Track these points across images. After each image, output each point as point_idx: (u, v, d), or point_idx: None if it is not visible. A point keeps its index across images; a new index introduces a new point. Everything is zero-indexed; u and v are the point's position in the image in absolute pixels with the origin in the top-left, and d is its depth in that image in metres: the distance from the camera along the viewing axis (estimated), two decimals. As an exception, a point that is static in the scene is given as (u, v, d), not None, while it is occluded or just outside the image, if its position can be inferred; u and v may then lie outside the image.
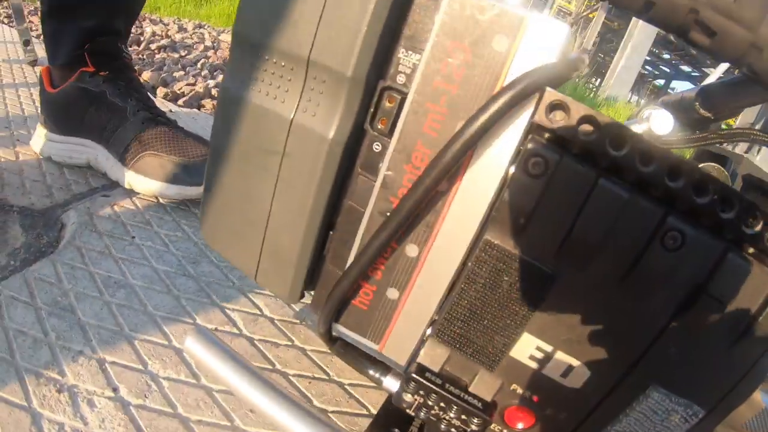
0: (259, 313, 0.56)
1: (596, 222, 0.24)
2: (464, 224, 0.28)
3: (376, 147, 0.30)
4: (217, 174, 0.36)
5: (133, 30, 1.60)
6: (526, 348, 0.28)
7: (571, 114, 0.23)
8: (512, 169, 0.25)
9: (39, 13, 1.08)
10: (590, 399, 0.28)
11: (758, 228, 0.23)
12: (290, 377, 0.48)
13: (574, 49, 0.29)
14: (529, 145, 0.24)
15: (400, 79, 0.28)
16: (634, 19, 4.42)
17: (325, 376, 0.49)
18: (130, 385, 0.45)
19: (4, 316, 0.49)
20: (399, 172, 0.29)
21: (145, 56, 1.48)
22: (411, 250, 0.30)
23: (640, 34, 4.20)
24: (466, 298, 0.27)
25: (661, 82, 15.09)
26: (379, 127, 0.29)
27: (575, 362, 0.27)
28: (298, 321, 0.57)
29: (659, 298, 0.25)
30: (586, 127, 0.23)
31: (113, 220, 0.66)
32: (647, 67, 12.99)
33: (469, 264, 0.27)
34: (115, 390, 0.45)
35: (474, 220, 0.27)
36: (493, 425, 0.31)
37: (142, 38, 1.57)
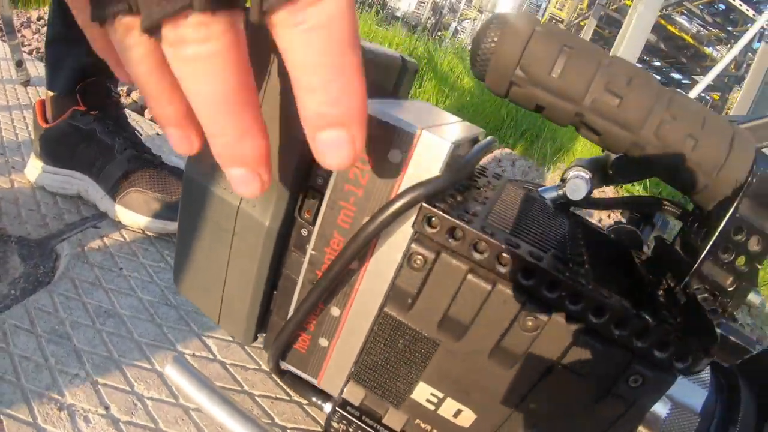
0: (231, 339, 0.64)
1: (465, 306, 0.31)
2: (371, 296, 0.36)
3: (304, 232, 0.37)
4: (185, 240, 0.44)
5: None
6: (423, 393, 0.36)
7: (441, 226, 0.30)
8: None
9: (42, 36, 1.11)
10: (479, 437, 0.36)
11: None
12: (256, 398, 0.57)
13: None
14: (413, 245, 0.32)
15: (319, 181, 0.36)
16: (624, 27, 4.42)
17: (286, 397, 0.58)
18: (120, 404, 0.53)
19: (9, 343, 0.57)
20: (321, 253, 0.37)
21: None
22: (334, 311, 0.38)
23: (630, 42, 4.22)
24: (373, 352, 0.35)
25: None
26: (305, 216, 0.37)
27: (463, 407, 0.35)
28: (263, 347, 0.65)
29: (523, 369, 0.32)
30: (454, 236, 0.30)
31: (103, 251, 0.74)
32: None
33: (375, 327, 0.35)
34: (106, 408, 0.53)
35: (378, 294, 0.35)
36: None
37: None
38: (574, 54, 0.32)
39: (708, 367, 0.36)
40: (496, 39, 0.33)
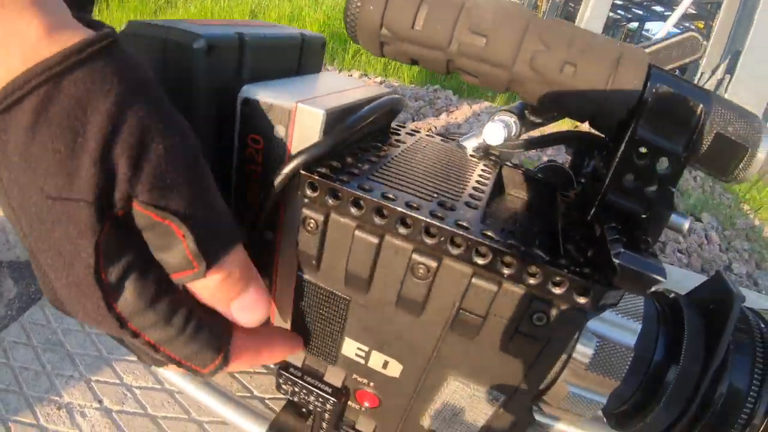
0: None
1: (361, 261, 0.32)
2: (290, 265, 0.38)
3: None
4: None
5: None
6: (351, 348, 0.37)
7: (321, 189, 0.31)
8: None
9: None
10: (408, 386, 0.37)
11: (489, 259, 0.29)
12: (235, 375, 0.60)
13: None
14: (303, 210, 0.33)
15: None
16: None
17: (264, 371, 0.61)
18: (111, 396, 0.57)
19: (10, 358, 0.61)
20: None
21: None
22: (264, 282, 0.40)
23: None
24: (299, 315, 0.37)
25: (635, 25, 14.33)
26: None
27: (388, 358, 0.37)
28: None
29: (429, 315, 0.33)
30: (336, 197, 0.31)
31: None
32: (619, 11, 12.41)
33: (296, 292, 0.36)
34: (100, 402, 0.57)
35: (293, 261, 0.37)
36: (351, 403, 0.41)
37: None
38: (435, 3, 0.33)
39: (640, 306, 0.35)
40: (359, 3, 0.34)
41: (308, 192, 0.32)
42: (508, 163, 0.44)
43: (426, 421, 0.38)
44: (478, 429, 0.37)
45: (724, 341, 0.37)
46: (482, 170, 0.41)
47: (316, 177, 0.31)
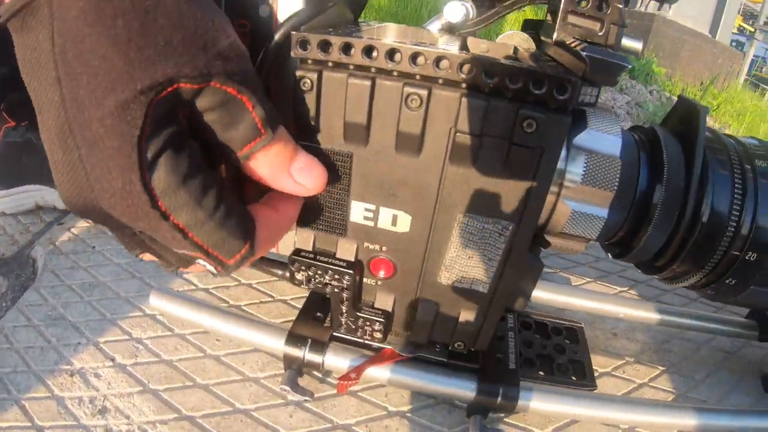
0: None
1: (358, 108, 0.34)
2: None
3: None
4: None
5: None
6: (359, 211, 0.38)
7: (312, 44, 0.33)
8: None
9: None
10: (420, 238, 0.38)
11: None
12: (242, 307, 0.60)
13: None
14: (297, 72, 0.34)
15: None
16: None
17: (270, 299, 0.62)
18: (123, 352, 0.57)
19: (13, 341, 0.60)
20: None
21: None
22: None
23: None
24: (302, 187, 0.38)
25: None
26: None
27: (396, 211, 0.38)
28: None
29: (429, 150, 0.35)
30: (326, 50, 0.33)
31: (73, 240, 0.76)
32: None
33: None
34: (112, 360, 0.57)
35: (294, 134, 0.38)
36: (367, 279, 0.43)
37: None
38: None
39: (616, 124, 0.38)
40: None
41: (300, 51, 0.33)
42: (471, 37, 0.46)
43: (443, 277, 0.40)
44: (493, 274, 0.39)
45: (699, 147, 0.39)
46: (448, 40, 0.43)
47: (307, 33, 0.33)
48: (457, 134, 0.33)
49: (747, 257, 0.42)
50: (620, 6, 0.37)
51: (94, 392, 0.54)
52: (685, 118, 0.43)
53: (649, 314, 0.64)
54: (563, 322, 0.61)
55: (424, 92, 0.32)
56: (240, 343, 0.56)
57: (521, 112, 0.31)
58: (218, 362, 0.55)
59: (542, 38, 0.44)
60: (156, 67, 0.22)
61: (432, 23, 0.47)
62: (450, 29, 0.46)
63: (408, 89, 0.32)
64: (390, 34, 0.40)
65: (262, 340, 0.50)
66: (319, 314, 0.51)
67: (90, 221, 0.29)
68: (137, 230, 0.27)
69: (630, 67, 0.32)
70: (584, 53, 0.32)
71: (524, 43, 0.48)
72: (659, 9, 3.42)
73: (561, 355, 0.56)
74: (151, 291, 0.54)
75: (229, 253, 0.27)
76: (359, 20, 0.47)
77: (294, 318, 0.50)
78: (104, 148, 0.23)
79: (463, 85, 0.32)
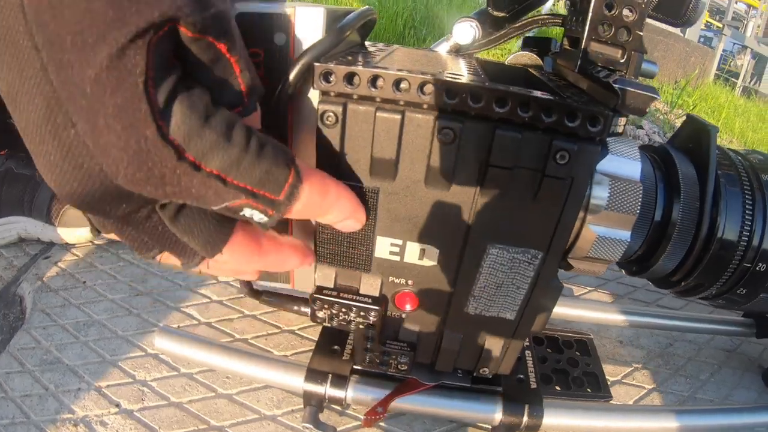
0: (209, 300, 0.66)
1: (386, 143, 0.33)
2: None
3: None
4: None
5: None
6: (384, 247, 0.38)
7: (337, 75, 0.32)
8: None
9: None
10: (448, 270, 0.38)
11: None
12: (249, 341, 0.59)
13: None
14: (320, 105, 0.33)
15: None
16: None
17: (277, 330, 0.60)
18: (128, 397, 0.55)
19: (7, 389, 0.57)
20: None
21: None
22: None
23: None
24: (325, 227, 0.37)
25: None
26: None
27: (423, 246, 0.37)
28: (241, 295, 0.67)
29: (459, 183, 0.34)
30: (352, 82, 0.32)
31: (61, 275, 0.73)
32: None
33: (320, 197, 0.37)
34: (117, 406, 0.54)
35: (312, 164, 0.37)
36: (392, 312, 0.42)
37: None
38: None
39: (635, 148, 0.38)
40: None
41: (323, 84, 0.32)
42: (479, 57, 0.46)
43: (471, 307, 0.39)
44: (521, 300, 0.39)
45: (712, 166, 0.40)
46: (460, 62, 0.42)
47: (332, 65, 0.32)
48: (490, 168, 0.33)
49: (758, 268, 0.43)
50: (641, 33, 0.37)
51: (101, 441, 0.52)
52: (694, 137, 0.44)
53: (651, 320, 0.65)
54: (573, 334, 0.61)
55: (457, 126, 0.32)
56: (251, 380, 0.55)
57: (554, 143, 0.31)
58: (231, 401, 0.54)
59: (560, 62, 0.44)
60: (151, 6, 0.19)
61: (440, 45, 0.47)
62: (457, 50, 0.46)
63: (441, 123, 0.32)
64: (403, 59, 0.39)
65: (280, 378, 0.49)
66: (336, 347, 0.50)
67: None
68: (160, 204, 0.24)
69: (658, 98, 0.32)
70: (616, 85, 0.32)
71: (531, 62, 0.48)
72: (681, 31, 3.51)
73: (575, 369, 0.57)
74: (156, 331, 0.52)
75: (277, 186, 0.24)
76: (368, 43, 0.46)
77: (304, 349, 0.49)
78: (106, 109, 0.20)
79: (497, 118, 0.32)
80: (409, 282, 0.39)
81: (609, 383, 0.58)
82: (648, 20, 0.40)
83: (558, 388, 0.55)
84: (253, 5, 0.33)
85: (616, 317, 0.64)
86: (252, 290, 0.45)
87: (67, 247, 0.80)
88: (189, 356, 0.51)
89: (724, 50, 5.33)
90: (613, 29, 0.37)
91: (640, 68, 0.37)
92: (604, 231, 0.37)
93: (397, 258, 0.38)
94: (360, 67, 0.31)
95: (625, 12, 0.37)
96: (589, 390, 0.55)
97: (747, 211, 0.42)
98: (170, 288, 0.69)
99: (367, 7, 0.41)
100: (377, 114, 0.32)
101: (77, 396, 0.56)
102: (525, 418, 0.47)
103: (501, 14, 0.47)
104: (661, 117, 2.11)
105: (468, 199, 0.35)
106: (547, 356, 0.58)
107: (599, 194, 0.36)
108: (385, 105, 0.32)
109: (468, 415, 0.47)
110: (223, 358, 0.50)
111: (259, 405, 0.53)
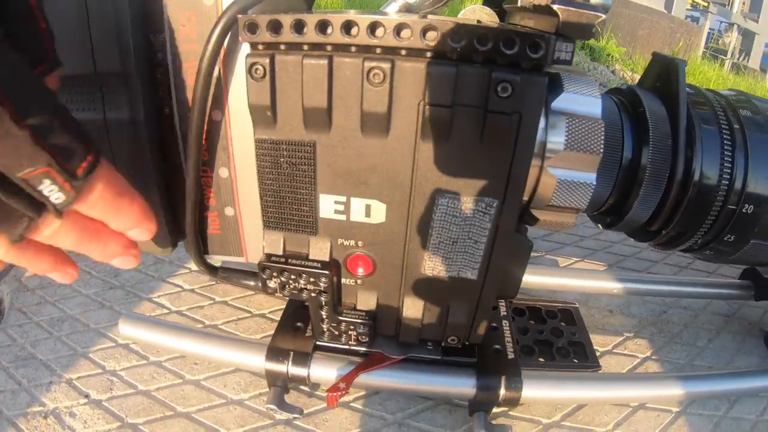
0: (180, 289, 0.64)
1: (317, 91, 0.31)
2: (244, 136, 0.36)
3: (167, 111, 0.37)
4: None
5: None
6: (329, 205, 0.35)
7: (262, 26, 0.30)
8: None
9: None
10: (398, 227, 0.35)
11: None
12: (219, 326, 0.57)
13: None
14: (247, 59, 0.31)
15: (159, 55, 0.35)
16: None
17: (247, 315, 0.58)
18: (97, 387, 0.53)
19: (-20, 387, 0.56)
20: (187, 121, 0.36)
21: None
22: (223, 172, 0.38)
23: None
24: (267, 187, 0.35)
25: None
26: (163, 95, 0.36)
27: (369, 201, 0.35)
28: (213, 282, 0.65)
29: (398, 129, 0.32)
30: (274, 31, 0.30)
31: (38, 275, 0.72)
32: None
33: (257, 161, 0.35)
34: (86, 396, 0.53)
35: (249, 129, 0.35)
36: (346, 279, 0.39)
37: None
38: None
39: (594, 86, 0.36)
40: None
41: (248, 35, 0.30)
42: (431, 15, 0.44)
43: (427, 267, 0.37)
44: (481, 257, 0.36)
45: (682, 103, 0.37)
46: (408, 17, 0.40)
47: (255, 15, 0.30)
48: (427, 107, 0.30)
49: (744, 210, 0.40)
50: None
51: (70, 433, 0.50)
52: (663, 74, 0.41)
53: (642, 286, 0.62)
54: (557, 304, 0.58)
55: (386, 65, 0.30)
56: (219, 365, 0.52)
57: (494, 75, 0.29)
58: (198, 387, 0.52)
59: (506, 7, 0.42)
60: None
61: (389, 5, 0.44)
62: (408, 10, 0.44)
63: (369, 63, 0.30)
64: (346, 13, 0.37)
65: (241, 358, 0.46)
66: (299, 324, 0.47)
67: None
68: None
69: (604, 16, 0.29)
70: (554, 5, 0.29)
71: (487, 17, 0.46)
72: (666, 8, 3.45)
73: (559, 339, 0.54)
74: (120, 318, 0.50)
75: (78, 160, 0.24)
76: (312, 11, 0.44)
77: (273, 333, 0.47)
78: None
79: (429, 54, 0.29)
80: (359, 243, 0.37)
81: (598, 354, 0.56)
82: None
83: (542, 360, 0.52)
84: None
85: (604, 284, 0.61)
86: (207, 264, 0.42)
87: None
88: (151, 341, 0.49)
89: (710, 29, 5.24)
90: None
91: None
92: (565, 174, 0.34)
93: (343, 217, 0.36)
94: (283, 15, 0.30)
95: None
96: (575, 360, 0.52)
97: (726, 150, 0.39)
98: (143, 280, 0.67)
99: None
100: (304, 61, 0.30)
101: (48, 389, 0.55)
102: (502, 391, 0.44)
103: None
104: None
105: (409, 146, 0.32)
106: (528, 327, 0.55)
107: (556, 135, 0.33)
108: (313, 52, 0.30)
109: (440, 389, 0.44)
110: (184, 341, 0.48)
111: (226, 390, 0.51)
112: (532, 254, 0.76)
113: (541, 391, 0.45)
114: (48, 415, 0.52)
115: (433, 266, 0.37)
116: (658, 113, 0.39)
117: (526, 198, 0.36)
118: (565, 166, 0.34)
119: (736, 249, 0.42)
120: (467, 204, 0.34)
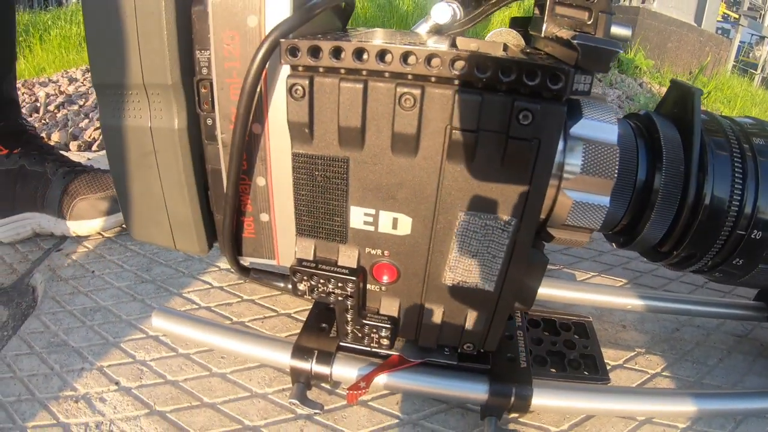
0: (210, 286, 0.67)
1: (351, 112, 0.34)
2: (282, 148, 0.39)
3: (209, 121, 0.40)
4: (121, 187, 0.46)
5: (27, 98, 1.64)
6: (358, 217, 0.38)
7: (302, 50, 0.33)
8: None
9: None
10: (422, 239, 0.38)
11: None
12: (246, 323, 0.60)
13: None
14: (288, 79, 0.34)
15: (204, 71, 0.39)
16: None
17: (274, 313, 0.61)
18: (127, 375, 0.56)
19: (15, 370, 0.59)
20: (228, 133, 0.39)
21: (47, 119, 1.52)
22: (260, 181, 0.41)
23: None
24: (302, 199, 0.38)
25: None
26: (205, 107, 0.40)
27: (396, 214, 0.38)
28: (241, 281, 0.68)
29: (426, 150, 0.34)
30: (314, 56, 0.33)
31: (72, 266, 0.76)
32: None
33: (294, 173, 0.37)
34: (117, 383, 0.56)
35: (286, 143, 0.38)
36: (371, 285, 0.42)
37: (38, 104, 1.60)
38: None
39: (611, 112, 0.38)
40: None
41: (289, 58, 0.33)
42: (460, 37, 0.46)
43: (448, 278, 0.39)
44: (498, 271, 0.38)
45: (696, 130, 0.39)
46: (437, 40, 0.42)
47: (296, 40, 0.32)
48: (453, 131, 0.33)
49: (753, 236, 0.42)
50: None
51: (100, 417, 0.53)
52: (679, 101, 0.42)
53: (656, 303, 0.63)
54: (571, 317, 0.60)
55: (417, 91, 0.32)
56: (246, 360, 0.55)
57: (516, 104, 0.31)
58: (224, 380, 0.54)
59: (531, 33, 0.44)
60: None
61: (420, 26, 0.47)
62: (438, 31, 0.46)
63: (401, 89, 0.32)
64: (379, 38, 0.39)
65: (268, 354, 0.49)
66: (324, 325, 0.50)
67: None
68: None
69: (620, 52, 0.31)
70: (575, 41, 0.31)
71: (513, 39, 0.48)
72: (643, 2, 3.44)
73: (572, 351, 0.55)
74: (153, 311, 0.53)
75: None
76: (347, 27, 0.47)
77: (298, 332, 0.49)
78: None
79: (456, 82, 0.32)
80: (385, 252, 0.39)
81: (609, 368, 0.57)
82: (661, 11, 0.39)
83: (553, 370, 0.54)
84: None
85: (619, 300, 0.62)
86: (239, 265, 0.45)
87: (78, 240, 0.82)
88: (182, 334, 0.52)
89: (741, 41, 5.17)
90: None
91: (609, 30, 0.36)
92: (580, 196, 0.36)
93: (371, 228, 0.38)
94: (323, 41, 0.32)
95: None
96: (586, 372, 0.54)
97: (737, 176, 0.41)
98: (174, 275, 0.70)
99: None
100: (341, 84, 0.33)
101: (80, 375, 0.58)
102: (512, 398, 0.46)
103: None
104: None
105: (435, 166, 0.35)
106: (542, 338, 0.57)
107: (573, 159, 0.35)
108: (349, 76, 0.33)
109: (454, 393, 0.47)
110: (214, 336, 0.51)
111: (251, 383, 0.54)
112: (550, 267, 0.78)
113: (550, 400, 0.47)
114: (79, 399, 0.55)
115: (453, 277, 0.39)
116: (673, 139, 0.40)
117: (543, 216, 0.38)
118: (580, 189, 0.36)
119: (745, 272, 0.44)
120: (487, 221, 0.36)
